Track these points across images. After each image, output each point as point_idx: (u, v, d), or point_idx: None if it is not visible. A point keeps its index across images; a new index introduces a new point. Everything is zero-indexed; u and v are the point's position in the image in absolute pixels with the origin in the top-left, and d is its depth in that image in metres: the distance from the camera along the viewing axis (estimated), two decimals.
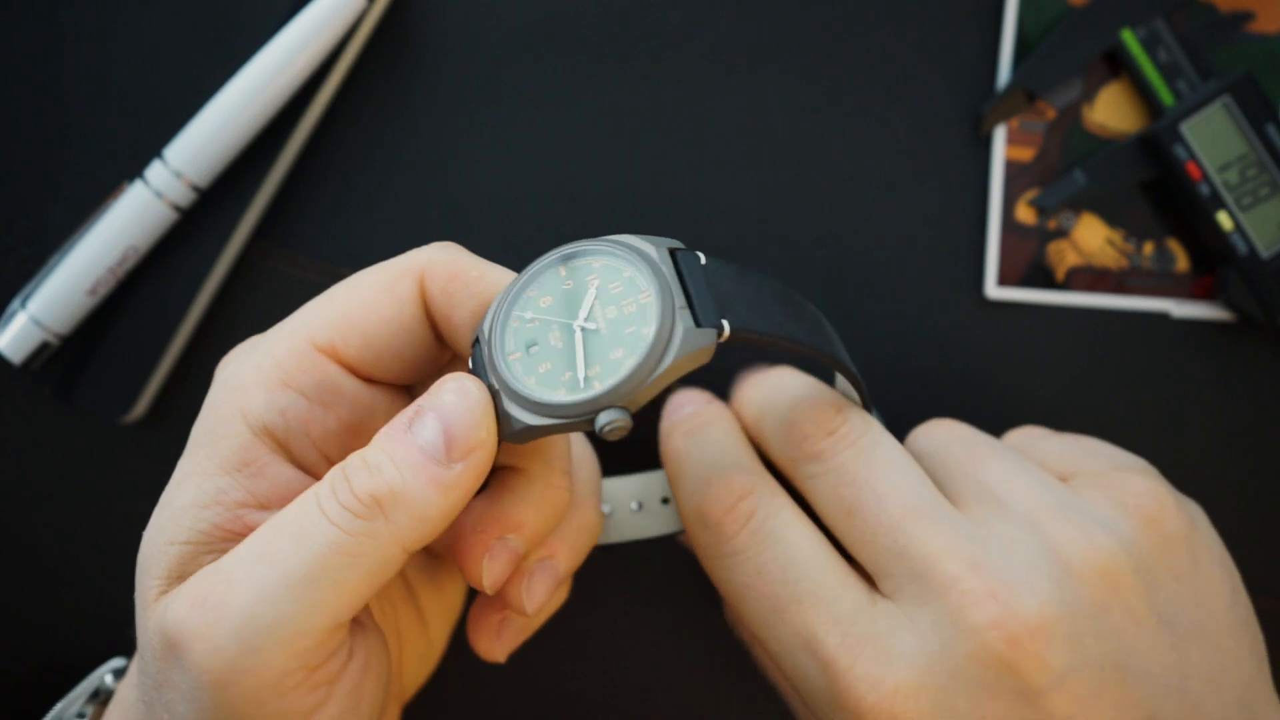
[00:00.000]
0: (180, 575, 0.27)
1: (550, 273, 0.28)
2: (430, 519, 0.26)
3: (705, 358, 0.27)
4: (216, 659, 0.25)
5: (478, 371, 0.28)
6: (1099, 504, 0.31)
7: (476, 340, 0.28)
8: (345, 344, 0.28)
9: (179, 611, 0.26)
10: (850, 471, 0.31)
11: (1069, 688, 0.28)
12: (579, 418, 0.26)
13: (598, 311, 0.27)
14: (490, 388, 0.27)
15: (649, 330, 0.26)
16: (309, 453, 0.29)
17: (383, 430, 0.27)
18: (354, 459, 0.27)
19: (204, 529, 0.27)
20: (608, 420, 0.26)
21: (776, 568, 0.30)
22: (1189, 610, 0.31)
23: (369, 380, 0.29)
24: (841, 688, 0.29)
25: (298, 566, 0.25)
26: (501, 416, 0.27)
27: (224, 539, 0.27)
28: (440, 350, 0.30)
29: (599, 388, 0.26)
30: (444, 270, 0.29)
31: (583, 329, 0.27)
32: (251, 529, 0.27)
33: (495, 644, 0.32)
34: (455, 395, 0.27)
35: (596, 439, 0.36)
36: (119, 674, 0.35)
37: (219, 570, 0.26)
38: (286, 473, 0.28)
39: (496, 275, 0.29)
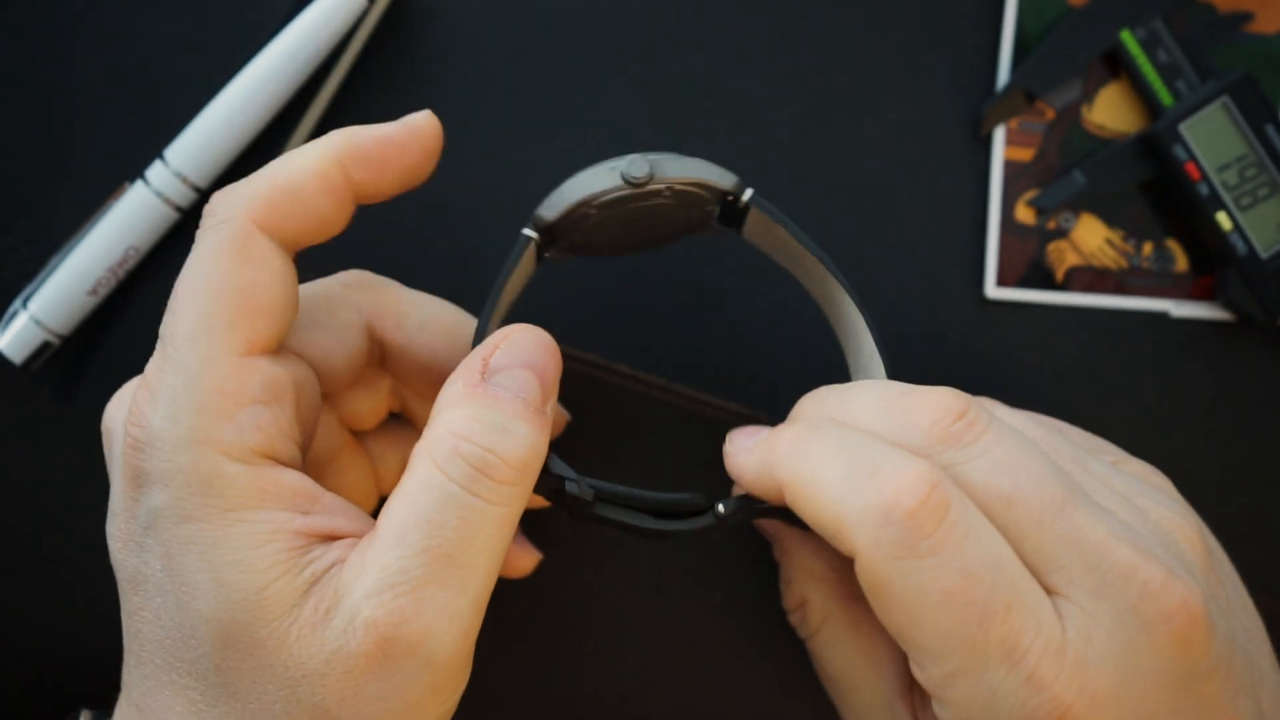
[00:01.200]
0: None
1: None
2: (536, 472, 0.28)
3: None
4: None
5: None
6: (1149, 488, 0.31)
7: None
8: (256, 333, 0.29)
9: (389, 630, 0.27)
10: (1001, 456, 0.28)
11: (1220, 671, 0.28)
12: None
13: None
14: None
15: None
16: (290, 447, 0.29)
17: (480, 390, 0.28)
18: (475, 426, 0.27)
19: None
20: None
21: (983, 569, 0.27)
22: (1235, 596, 0.31)
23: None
24: (1044, 700, 0.27)
25: (482, 565, 0.27)
26: None
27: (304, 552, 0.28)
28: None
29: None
30: (263, 205, 0.29)
31: None
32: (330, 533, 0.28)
33: None
34: (533, 339, 0.29)
35: None
36: None
37: (405, 588, 0.27)
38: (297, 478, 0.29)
39: (280, 176, 0.29)
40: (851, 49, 0.40)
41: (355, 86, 0.40)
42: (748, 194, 0.33)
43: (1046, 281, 0.40)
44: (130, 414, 0.28)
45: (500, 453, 0.27)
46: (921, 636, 0.27)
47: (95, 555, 0.40)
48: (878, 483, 0.27)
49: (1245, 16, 0.40)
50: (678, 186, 0.32)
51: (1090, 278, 0.40)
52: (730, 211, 0.33)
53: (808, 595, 0.34)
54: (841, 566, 0.34)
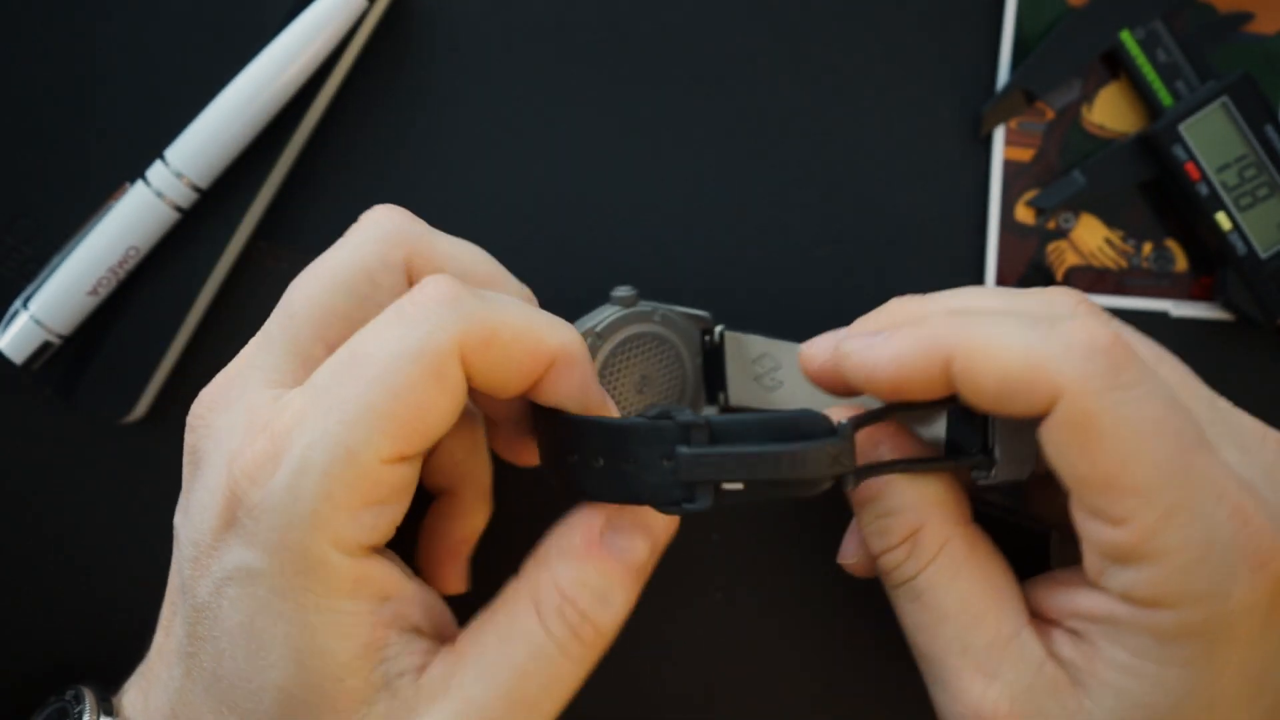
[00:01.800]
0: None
1: None
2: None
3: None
4: None
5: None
6: None
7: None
8: (411, 449, 0.27)
9: None
10: (1156, 386, 0.28)
11: None
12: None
13: None
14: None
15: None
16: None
17: (594, 552, 0.29)
18: (581, 591, 0.29)
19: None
20: None
21: (1175, 403, 0.27)
22: None
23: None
24: (1252, 533, 0.27)
25: (551, 714, 0.29)
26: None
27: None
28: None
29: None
30: (478, 339, 0.28)
31: None
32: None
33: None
34: (663, 521, 0.30)
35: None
36: None
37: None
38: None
39: (516, 324, 0.28)
40: (851, 49, 0.40)
41: (355, 86, 0.40)
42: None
43: (1046, 281, 0.40)
44: (247, 461, 0.27)
45: (595, 620, 0.29)
46: (1136, 471, 0.27)
47: (95, 554, 0.40)
48: (1067, 328, 0.27)
49: (1245, 17, 0.40)
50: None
51: (1090, 278, 0.40)
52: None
53: (924, 520, 0.31)
54: (954, 488, 0.32)
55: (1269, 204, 0.39)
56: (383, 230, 0.31)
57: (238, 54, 0.38)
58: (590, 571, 0.29)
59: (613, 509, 0.30)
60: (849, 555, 0.34)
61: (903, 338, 0.29)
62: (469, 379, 0.28)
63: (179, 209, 0.38)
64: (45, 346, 0.38)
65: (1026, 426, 0.29)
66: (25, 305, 0.38)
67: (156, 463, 0.39)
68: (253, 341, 0.30)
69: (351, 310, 0.30)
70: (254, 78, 0.37)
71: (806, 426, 0.28)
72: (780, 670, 0.40)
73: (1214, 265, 0.40)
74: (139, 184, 0.38)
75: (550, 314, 0.30)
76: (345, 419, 0.27)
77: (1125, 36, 0.39)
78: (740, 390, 0.38)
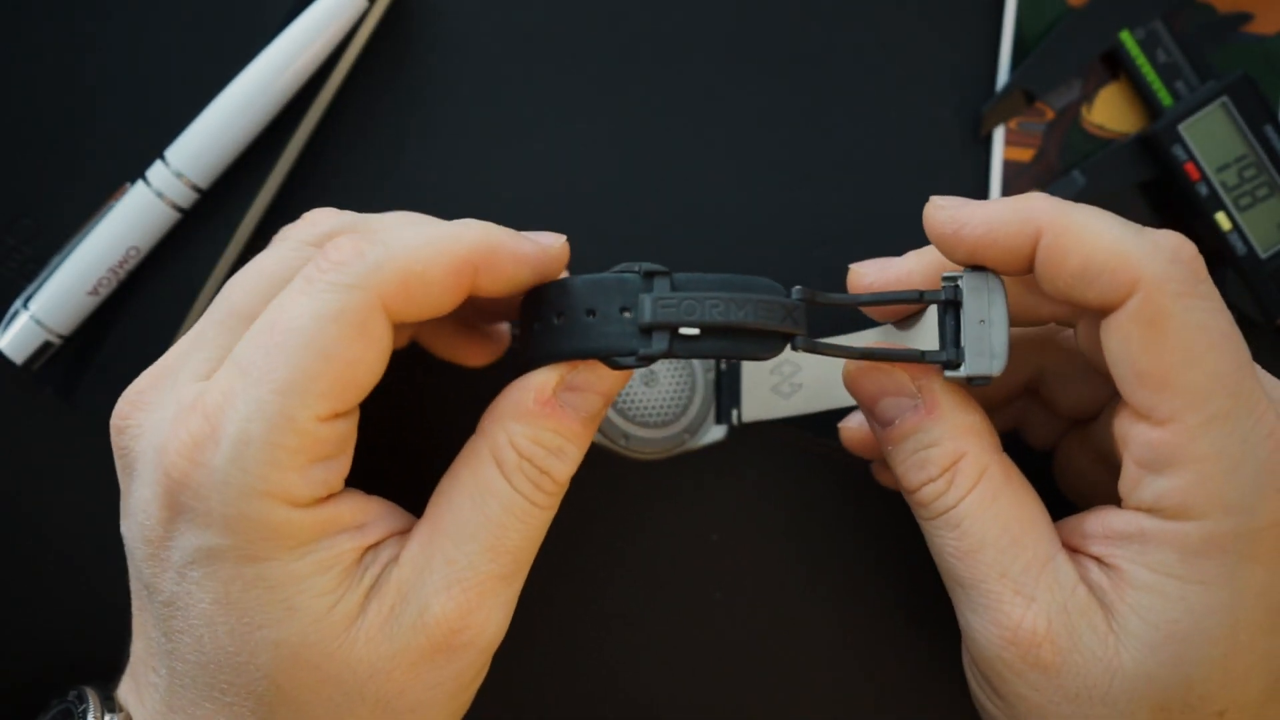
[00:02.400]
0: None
1: None
2: None
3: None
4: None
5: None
6: None
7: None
8: (345, 405, 0.28)
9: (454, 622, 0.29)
10: (1224, 307, 0.29)
11: None
12: None
13: None
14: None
15: None
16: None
17: (548, 410, 0.30)
18: (537, 450, 0.30)
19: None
20: None
21: (1235, 325, 0.29)
22: None
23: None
24: None
25: (529, 561, 0.31)
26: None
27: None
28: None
29: None
30: (395, 285, 0.28)
31: None
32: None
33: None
34: (615, 373, 0.31)
35: None
36: None
37: (472, 583, 0.29)
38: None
39: (423, 254, 0.29)
40: (852, 49, 0.40)
41: (355, 86, 0.40)
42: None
43: None
44: (181, 445, 0.28)
45: (554, 474, 0.30)
46: (1193, 374, 0.28)
47: (95, 554, 0.40)
48: (1156, 234, 0.29)
49: (1245, 17, 0.40)
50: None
51: None
52: None
53: (965, 449, 0.31)
54: (986, 418, 0.32)
55: (1269, 204, 0.39)
56: (318, 230, 0.31)
57: (238, 54, 0.38)
58: (545, 431, 0.30)
59: (565, 368, 0.30)
60: (852, 423, 0.36)
61: (999, 203, 0.30)
62: (405, 318, 0.29)
63: (179, 209, 0.38)
64: (45, 346, 0.38)
65: (992, 322, 0.30)
66: (25, 305, 0.38)
67: None
68: (184, 339, 0.30)
69: None
70: (254, 78, 0.37)
71: (764, 286, 0.30)
72: (780, 670, 0.40)
73: (1214, 265, 0.40)
74: (139, 184, 0.38)
75: (452, 222, 0.30)
76: (278, 387, 0.27)
77: (1125, 36, 0.39)
78: (754, 404, 0.38)
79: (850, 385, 0.33)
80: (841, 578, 0.40)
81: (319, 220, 0.32)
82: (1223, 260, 0.40)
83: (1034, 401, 0.37)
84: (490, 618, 0.30)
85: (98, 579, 0.40)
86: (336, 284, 0.28)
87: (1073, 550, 0.31)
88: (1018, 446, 0.37)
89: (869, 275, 0.33)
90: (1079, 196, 0.40)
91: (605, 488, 0.40)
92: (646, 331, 0.29)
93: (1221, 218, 0.39)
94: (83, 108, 0.39)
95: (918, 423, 0.32)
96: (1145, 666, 0.29)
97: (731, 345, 0.29)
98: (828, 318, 0.39)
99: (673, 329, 0.29)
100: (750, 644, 0.40)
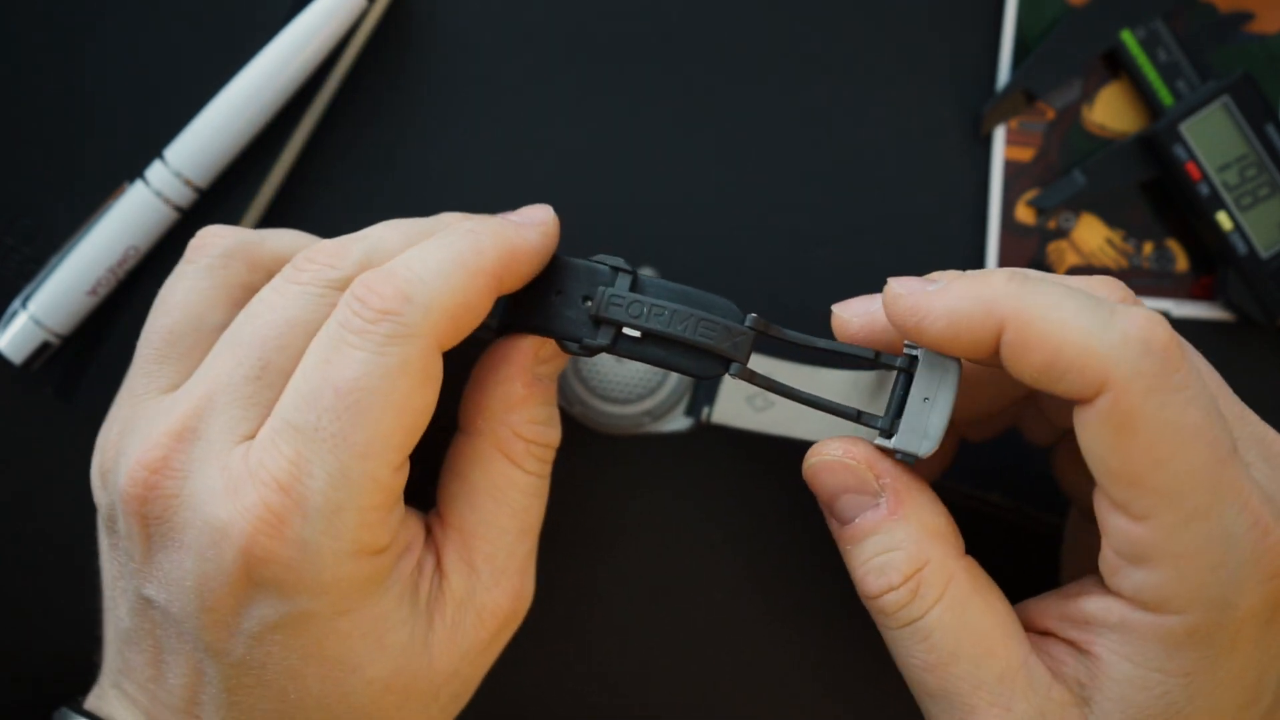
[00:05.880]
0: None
1: None
2: None
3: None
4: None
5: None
6: None
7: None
8: (412, 446, 0.29)
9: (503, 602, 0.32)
10: (1201, 392, 0.27)
11: None
12: None
13: None
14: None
15: None
16: None
17: (534, 391, 0.32)
18: (535, 429, 0.32)
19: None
20: None
21: (1215, 412, 0.27)
22: None
23: None
24: (1270, 544, 0.27)
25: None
26: None
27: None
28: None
29: None
30: (448, 325, 0.29)
31: None
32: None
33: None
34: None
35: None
36: None
37: (514, 569, 0.33)
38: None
39: (461, 286, 0.30)
40: (852, 49, 0.40)
41: (355, 86, 0.40)
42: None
43: None
44: (261, 521, 0.28)
45: (551, 442, 0.33)
46: (1165, 475, 0.26)
47: (94, 554, 0.40)
48: (1127, 317, 0.27)
49: (1245, 16, 0.40)
50: None
51: None
52: None
53: (929, 556, 0.30)
54: (949, 518, 0.31)
55: (1270, 204, 0.39)
56: (338, 272, 0.31)
57: (238, 54, 0.38)
58: (537, 409, 0.32)
59: (536, 347, 0.32)
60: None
61: (960, 290, 0.28)
62: (451, 346, 0.30)
63: (179, 209, 0.38)
64: (45, 346, 0.38)
65: (936, 402, 0.30)
66: (25, 305, 0.38)
67: None
68: (196, 395, 0.30)
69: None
70: (254, 77, 0.37)
71: (720, 307, 0.31)
72: (781, 670, 0.40)
73: (1215, 265, 0.40)
74: (138, 184, 0.38)
75: (463, 231, 0.31)
76: (359, 451, 0.28)
77: (1126, 36, 0.39)
78: (727, 408, 0.38)
79: (809, 478, 0.31)
80: (842, 577, 0.40)
81: (326, 258, 0.31)
82: (1224, 260, 0.40)
83: (1033, 402, 0.37)
84: (529, 585, 0.33)
85: (97, 579, 0.40)
86: (394, 335, 0.28)
87: (1046, 634, 0.30)
88: (1018, 446, 0.37)
89: (851, 325, 0.32)
90: (1079, 196, 0.40)
91: (593, 482, 0.40)
92: (597, 323, 0.31)
93: (1223, 217, 0.39)
94: (82, 108, 0.39)
95: (878, 523, 0.30)
96: None
97: (668, 356, 0.30)
98: (824, 323, 0.39)
99: (618, 327, 0.30)
100: (751, 644, 0.40)
